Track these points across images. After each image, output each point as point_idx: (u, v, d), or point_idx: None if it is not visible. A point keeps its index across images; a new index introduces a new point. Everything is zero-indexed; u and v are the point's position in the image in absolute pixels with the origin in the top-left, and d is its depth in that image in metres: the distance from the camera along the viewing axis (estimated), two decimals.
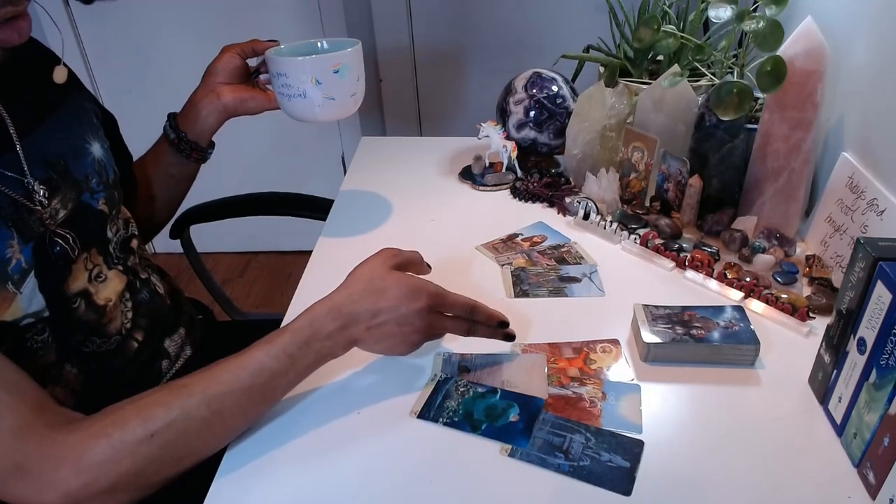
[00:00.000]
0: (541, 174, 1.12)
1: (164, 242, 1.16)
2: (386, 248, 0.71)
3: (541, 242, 0.97)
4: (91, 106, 0.85)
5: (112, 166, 0.84)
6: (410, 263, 0.72)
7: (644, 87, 1.02)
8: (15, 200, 0.67)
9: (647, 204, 1.01)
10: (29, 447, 0.56)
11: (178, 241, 1.24)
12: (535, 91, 1.10)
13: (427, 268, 0.75)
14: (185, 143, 0.93)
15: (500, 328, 0.71)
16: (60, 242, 0.72)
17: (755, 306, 0.81)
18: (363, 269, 0.68)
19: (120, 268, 0.82)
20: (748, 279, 0.84)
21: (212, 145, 0.97)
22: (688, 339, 0.72)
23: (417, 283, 0.66)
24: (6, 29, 0.64)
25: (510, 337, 0.72)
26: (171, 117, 0.94)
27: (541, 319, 0.81)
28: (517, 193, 1.09)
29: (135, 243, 0.87)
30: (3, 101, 0.70)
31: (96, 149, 0.81)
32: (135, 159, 0.99)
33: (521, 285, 0.87)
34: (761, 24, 0.84)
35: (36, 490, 0.55)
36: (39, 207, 0.70)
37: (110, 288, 0.79)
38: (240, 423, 0.63)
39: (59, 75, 0.78)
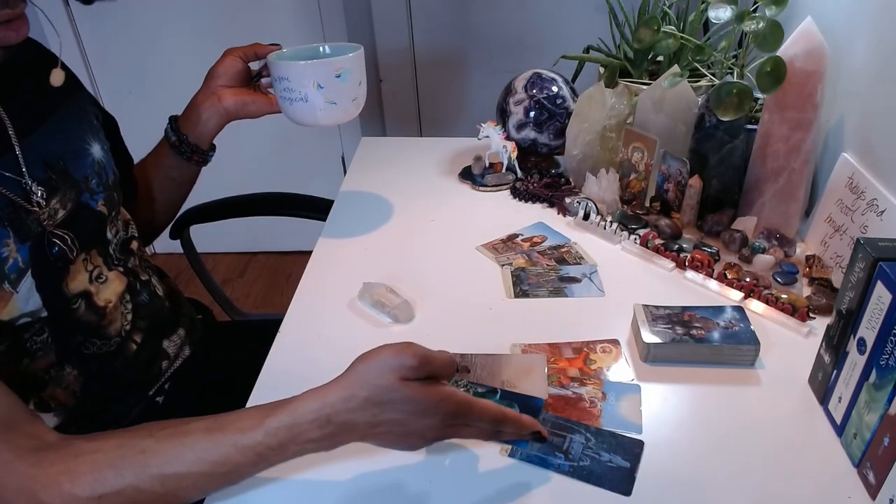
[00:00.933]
0: (541, 174, 1.12)
1: (164, 243, 1.16)
2: (405, 349, 0.55)
3: (541, 243, 0.97)
4: (91, 107, 0.85)
5: (112, 167, 0.84)
6: (435, 375, 0.56)
7: (644, 87, 1.02)
8: (12, 200, 0.68)
9: (647, 204, 1.01)
10: None
11: (178, 241, 1.24)
12: (535, 91, 1.10)
13: (456, 370, 0.58)
14: (186, 145, 0.93)
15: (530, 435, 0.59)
16: (58, 243, 0.72)
17: (755, 306, 0.81)
18: (371, 369, 0.54)
19: (120, 269, 0.82)
20: (748, 279, 0.84)
21: (213, 148, 0.97)
22: (688, 340, 0.72)
23: (435, 400, 0.54)
24: (3, 29, 0.63)
25: (542, 439, 0.60)
26: (173, 120, 0.94)
27: (541, 319, 0.81)
28: (517, 194, 1.09)
29: (135, 245, 0.87)
30: (3, 102, 0.70)
31: (96, 150, 0.81)
32: (135, 160, 0.99)
33: (521, 285, 0.87)
34: (761, 24, 0.84)
35: None
36: (37, 208, 0.70)
37: (111, 289, 0.79)
38: (196, 498, 0.58)
39: (56, 78, 0.76)
